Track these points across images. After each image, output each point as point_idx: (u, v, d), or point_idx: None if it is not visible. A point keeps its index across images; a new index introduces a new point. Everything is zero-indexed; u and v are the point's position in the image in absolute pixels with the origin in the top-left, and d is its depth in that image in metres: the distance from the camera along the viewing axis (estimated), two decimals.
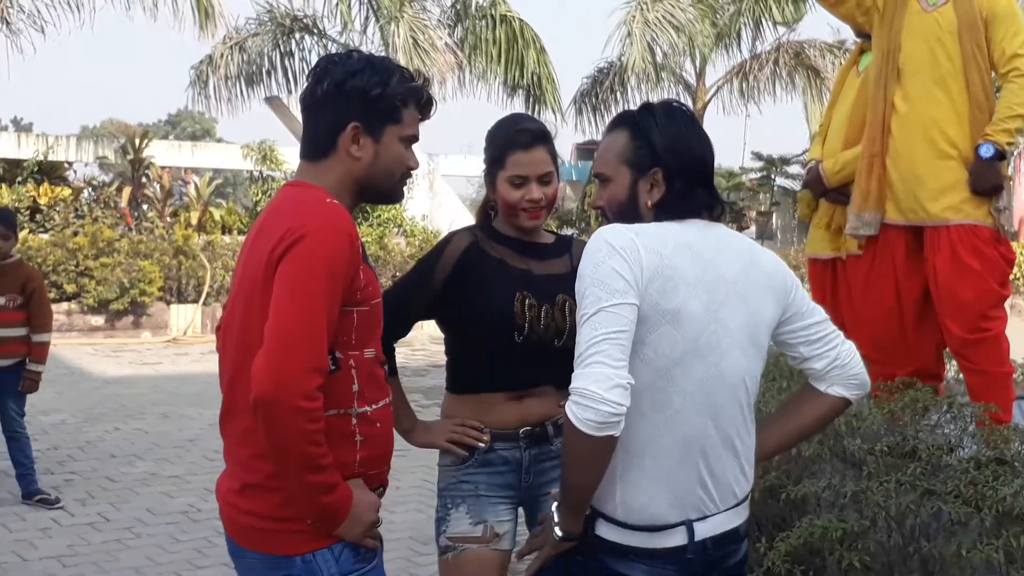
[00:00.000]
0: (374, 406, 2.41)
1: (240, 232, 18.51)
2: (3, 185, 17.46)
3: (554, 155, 3.10)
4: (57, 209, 16.34)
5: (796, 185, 23.35)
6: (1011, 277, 4.64)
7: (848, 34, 20.51)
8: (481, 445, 3.06)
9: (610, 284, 2.14)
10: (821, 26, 34.64)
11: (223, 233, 18.03)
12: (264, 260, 2.28)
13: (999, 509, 2.95)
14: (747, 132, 49.19)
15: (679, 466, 2.25)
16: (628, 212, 2.37)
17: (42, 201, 16.94)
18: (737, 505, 2.34)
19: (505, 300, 3.00)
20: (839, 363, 2.45)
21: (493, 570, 3.06)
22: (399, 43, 16.66)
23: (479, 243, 3.09)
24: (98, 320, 14.36)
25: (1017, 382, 4.70)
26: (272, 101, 19.98)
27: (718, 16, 20.78)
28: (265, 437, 2.20)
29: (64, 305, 13.88)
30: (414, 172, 2.56)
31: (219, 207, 21.22)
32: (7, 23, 14.59)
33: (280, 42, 18.59)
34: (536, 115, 16.81)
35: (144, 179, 18.83)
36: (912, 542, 3.20)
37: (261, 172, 20.67)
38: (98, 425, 8.86)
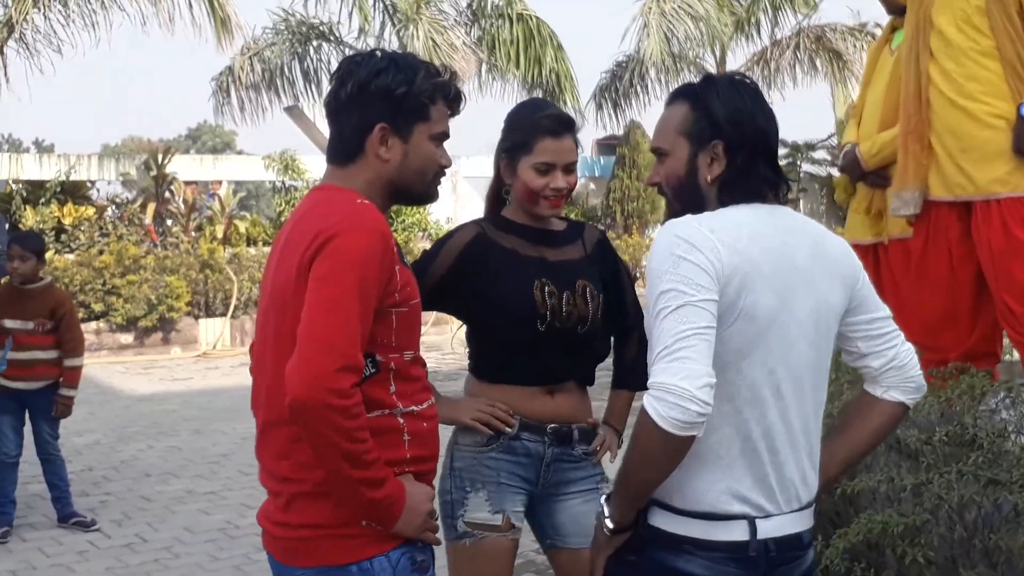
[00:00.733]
0: (420, 406, 2.34)
1: (266, 243, 18.51)
2: (27, 207, 17.52)
3: (578, 144, 3.04)
4: (82, 229, 16.39)
5: (822, 171, 23.15)
6: None
7: (869, 16, 20.33)
8: (508, 430, 2.96)
9: (694, 279, 2.03)
10: (841, 9, 34.40)
11: (248, 245, 18.02)
12: (296, 264, 2.21)
13: None
14: None
15: (741, 457, 2.14)
16: (687, 188, 2.25)
17: (66, 221, 16.98)
18: (801, 509, 2.22)
19: (524, 289, 2.92)
20: (897, 363, 2.33)
21: (509, 559, 2.99)
22: (418, 45, 16.60)
23: (486, 235, 3.01)
24: (127, 338, 14.36)
25: None
26: (291, 110, 20.01)
27: (735, 3, 20.63)
28: (307, 440, 2.14)
29: (92, 324, 13.87)
30: (448, 170, 2.47)
31: (243, 219, 21.25)
32: (25, 43, 14.63)
33: (297, 50, 18.60)
34: None
35: (168, 194, 18.86)
36: (977, 534, 3.07)
37: (284, 182, 20.70)
38: (131, 444, 8.82)
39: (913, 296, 4.51)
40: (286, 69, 18.76)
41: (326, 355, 2.09)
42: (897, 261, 4.67)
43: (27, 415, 6.36)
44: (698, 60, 21.14)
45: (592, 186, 25.51)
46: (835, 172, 16.21)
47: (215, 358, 14.25)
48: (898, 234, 4.65)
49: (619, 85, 21.36)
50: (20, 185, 18.27)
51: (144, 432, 9.31)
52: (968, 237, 4.34)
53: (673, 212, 2.30)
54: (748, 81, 2.28)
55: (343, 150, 2.36)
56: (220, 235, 18.41)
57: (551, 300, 2.93)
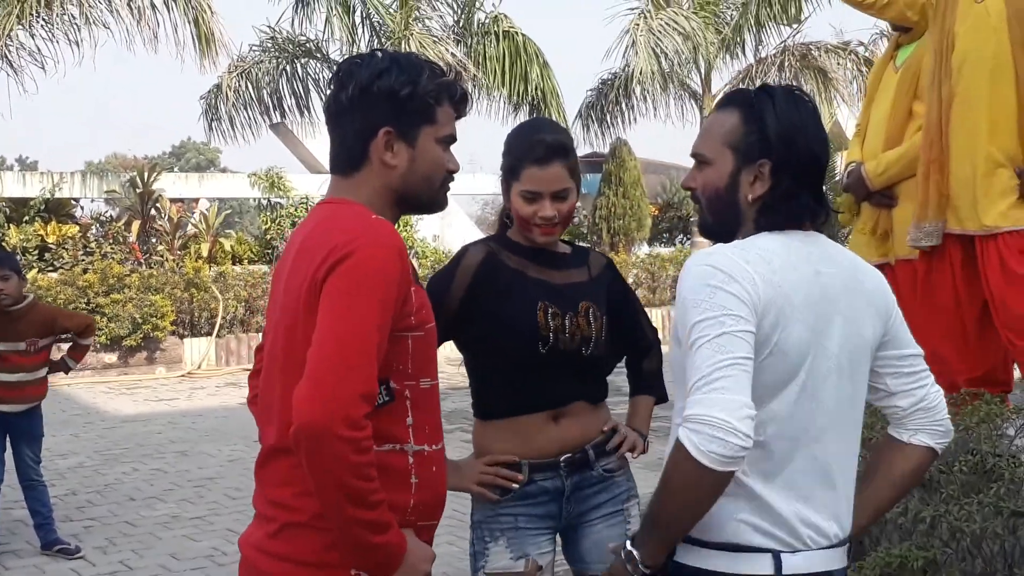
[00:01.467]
0: (433, 447, 2.19)
1: (251, 261, 18.35)
2: (11, 225, 17.33)
3: (573, 168, 2.90)
4: (66, 247, 16.22)
5: None
6: None
7: (852, 34, 20.38)
8: (515, 487, 2.86)
9: (733, 310, 1.92)
10: (823, 27, 34.58)
11: (234, 263, 17.85)
12: (307, 283, 2.06)
13: None
14: None
15: (765, 489, 2.02)
16: (725, 203, 2.13)
17: (50, 240, 16.80)
18: (832, 547, 2.10)
19: (527, 311, 2.83)
20: (925, 405, 2.22)
21: None
22: None
23: (495, 254, 2.93)
24: (111, 357, 14.17)
25: None
26: (278, 128, 19.90)
27: (720, 21, 20.63)
28: (308, 470, 1.96)
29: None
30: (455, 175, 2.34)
31: (228, 237, 21.07)
32: (8, 60, 14.49)
33: (285, 68, 18.49)
34: None
35: (153, 212, 18.70)
36: (1004, 570, 2.96)
37: (269, 200, 20.54)
38: (116, 467, 8.65)
39: (921, 317, 4.43)
40: (274, 87, 18.64)
41: (341, 379, 1.93)
42: (905, 282, 4.60)
43: (8, 440, 6.20)
44: (684, 79, 21.11)
45: (578, 203, 25.46)
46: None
47: (200, 378, 14.08)
48: (905, 255, 4.57)
49: (604, 103, 21.31)
50: (3, 203, 18.06)
51: (129, 454, 9.13)
52: (971, 265, 4.30)
53: (704, 223, 2.20)
54: (807, 98, 2.15)
55: (346, 158, 2.23)
56: (205, 253, 18.24)
57: (554, 322, 2.84)
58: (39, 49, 14.92)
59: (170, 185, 20.43)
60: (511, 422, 2.89)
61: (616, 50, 19.98)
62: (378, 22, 18.03)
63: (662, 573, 2.06)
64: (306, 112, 18.84)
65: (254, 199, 22.26)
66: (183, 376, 14.21)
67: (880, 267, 4.77)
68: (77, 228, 17.64)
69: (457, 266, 2.93)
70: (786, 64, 21.16)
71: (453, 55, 17.33)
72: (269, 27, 18.49)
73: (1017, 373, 4.64)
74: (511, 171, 2.88)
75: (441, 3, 19.07)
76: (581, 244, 3.37)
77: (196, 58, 15.84)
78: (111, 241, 16.97)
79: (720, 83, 22.00)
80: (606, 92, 21.39)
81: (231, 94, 18.24)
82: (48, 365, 6.30)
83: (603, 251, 20.30)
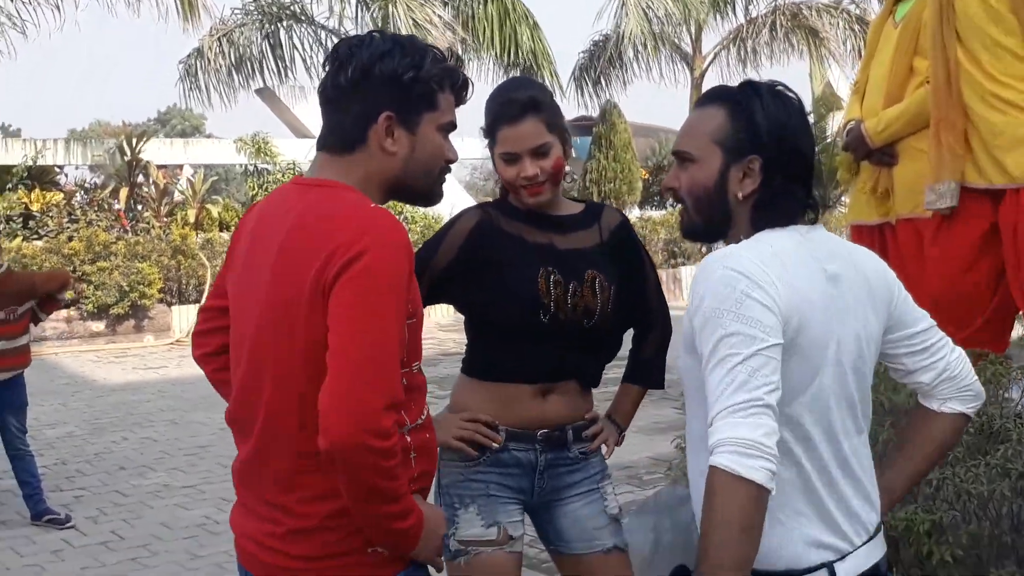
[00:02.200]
0: (422, 417, 2.15)
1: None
2: None
3: (552, 121, 2.74)
4: (50, 215, 16.08)
5: None
6: None
7: None
8: (494, 446, 2.77)
9: (762, 321, 1.86)
10: None
11: (221, 230, 17.72)
12: (309, 281, 1.97)
13: None
14: None
15: (804, 500, 1.98)
16: (713, 202, 2.07)
17: (34, 207, 16.67)
18: (872, 538, 2.07)
19: (528, 278, 2.71)
20: (949, 374, 2.18)
21: (509, 574, 2.79)
22: (400, 23, 16.27)
23: (491, 220, 2.80)
24: (99, 326, 14.09)
25: None
26: (263, 92, 19.69)
27: None
28: (343, 479, 1.94)
29: (63, 312, 13.56)
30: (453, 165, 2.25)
31: (215, 204, 20.91)
32: None
33: (269, 31, 18.24)
34: None
35: (140, 179, 18.54)
36: (1011, 532, 2.91)
37: (255, 166, 20.36)
38: (105, 436, 8.59)
39: (920, 276, 4.36)
40: (256, 51, 18.39)
41: (371, 392, 1.89)
42: (907, 241, 4.51)
43: None
44: (675, 39, 20.97)
45: (568, 167, 25.34)
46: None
47: (189, 346, 13.96)
48: (907, 214, 4.49)
49: (597, 64, 21.17)
50: None
51: (118, 423, 9.08)
52: (994, 224, 4.21)
53: (689, 223, 2.13)
54: (793, 93, 2.10)
55: (341, 138, 2.13)
56: (192, 220, 18.11)
57: (556, 290, 2.72)
58: (18, 13, 14.66)
59: (155, 151, 20.29)
60: (498, 387, 2.80)
61: (607, 10, 19.84)
62: None
63: None
64: (289, 76, 18.63)
65: (240, 165, 22.08)
66: (171, 344, 14.13)
67: (879, 226, 4.72)
68: (61, 195, 17.50)
69: (448, 230, 2.82)
70: (777, 24, 21.03)
71: (440, 17, 17.12)
72: None
73: (1015, 333, 4.58)
74: (490, 134, 2.77)
75: None
76: (594, 201, 3.19)
77: (179, 22, 15.60)
78: (96, 208, 16.83)
79: (711, 44, 21.88)
80: (598, 54, 21.26)
81: (212, 58, 17.98)
82: (29, 333, 6.22)
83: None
